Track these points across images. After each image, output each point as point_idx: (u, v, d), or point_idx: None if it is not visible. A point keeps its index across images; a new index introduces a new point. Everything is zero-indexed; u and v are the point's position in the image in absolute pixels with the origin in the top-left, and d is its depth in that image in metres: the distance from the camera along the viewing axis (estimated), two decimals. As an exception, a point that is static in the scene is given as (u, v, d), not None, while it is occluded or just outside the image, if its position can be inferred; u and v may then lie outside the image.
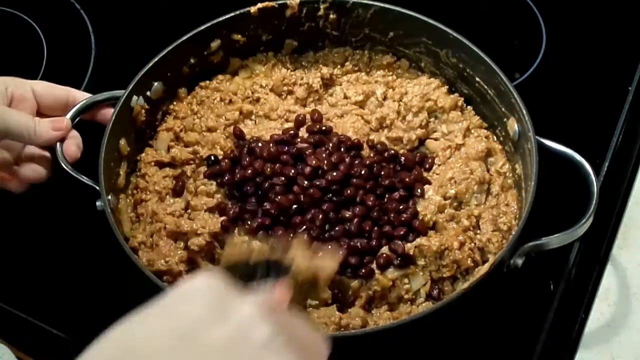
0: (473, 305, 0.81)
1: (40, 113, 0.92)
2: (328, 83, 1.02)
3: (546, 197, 0.82)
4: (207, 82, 1.02)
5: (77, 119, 0.92)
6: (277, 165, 0.90)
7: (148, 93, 0.96)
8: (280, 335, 0.49)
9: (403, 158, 0.94)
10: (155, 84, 0.97)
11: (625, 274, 0.91)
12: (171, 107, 1.00)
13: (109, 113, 0.93)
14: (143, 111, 0.95)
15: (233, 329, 0.49)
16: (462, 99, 0.99)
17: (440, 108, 0.98)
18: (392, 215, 0.88)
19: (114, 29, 1.20)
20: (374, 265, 0.85)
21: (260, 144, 0.93)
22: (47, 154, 0.92)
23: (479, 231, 0.88)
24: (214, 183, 0.92)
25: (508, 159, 0.93)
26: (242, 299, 0.51)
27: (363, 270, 0.84)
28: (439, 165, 0.94)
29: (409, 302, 0.84)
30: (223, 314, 0.49)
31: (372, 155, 0.94)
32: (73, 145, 0.90)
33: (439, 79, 1.00)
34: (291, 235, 0.86)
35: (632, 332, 0.86)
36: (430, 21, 0.97)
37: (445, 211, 0.88)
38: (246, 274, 0.66)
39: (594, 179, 0.83)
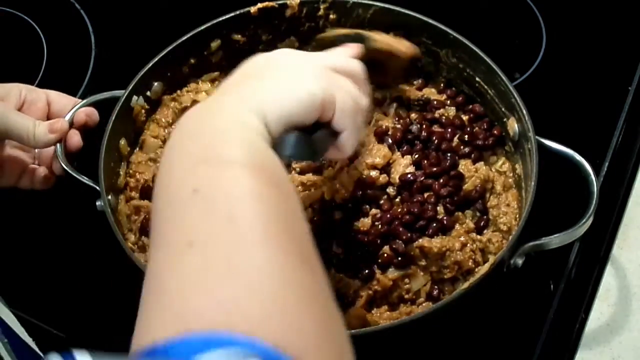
0: (473, 305, 0.81)
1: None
2: None
3: (546, 197, 0.82)
4: (190, 86, 1.00)
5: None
6: None
7: (148, 93, 0.96)
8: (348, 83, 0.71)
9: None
10: (155, 84, 0.97)
11: (625, 274, 0.91)
12: (155, 116, 0.98)
13: (93, 114, 0.91)
14: (143, 111, 0.95)
15: (321, 63, 0.70)
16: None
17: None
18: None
19: (114, 29, 1.20)
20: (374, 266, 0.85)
21: None
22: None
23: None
24: None
25: (508, 159, 0.93)
26: None
27: (366, 271, 0.84)
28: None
29: (409, 302, 0.84)
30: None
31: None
32: (75, 136, 0.89)
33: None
34: None
35: (632, 332, 0.86)
36: (430, 21, 0.97)
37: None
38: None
39: (594, 179, 0.83)
